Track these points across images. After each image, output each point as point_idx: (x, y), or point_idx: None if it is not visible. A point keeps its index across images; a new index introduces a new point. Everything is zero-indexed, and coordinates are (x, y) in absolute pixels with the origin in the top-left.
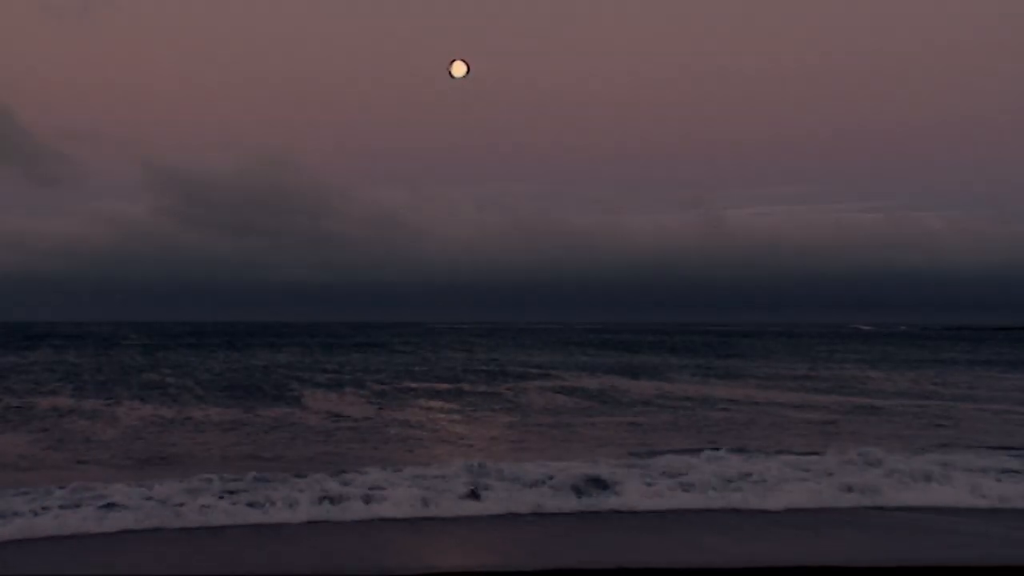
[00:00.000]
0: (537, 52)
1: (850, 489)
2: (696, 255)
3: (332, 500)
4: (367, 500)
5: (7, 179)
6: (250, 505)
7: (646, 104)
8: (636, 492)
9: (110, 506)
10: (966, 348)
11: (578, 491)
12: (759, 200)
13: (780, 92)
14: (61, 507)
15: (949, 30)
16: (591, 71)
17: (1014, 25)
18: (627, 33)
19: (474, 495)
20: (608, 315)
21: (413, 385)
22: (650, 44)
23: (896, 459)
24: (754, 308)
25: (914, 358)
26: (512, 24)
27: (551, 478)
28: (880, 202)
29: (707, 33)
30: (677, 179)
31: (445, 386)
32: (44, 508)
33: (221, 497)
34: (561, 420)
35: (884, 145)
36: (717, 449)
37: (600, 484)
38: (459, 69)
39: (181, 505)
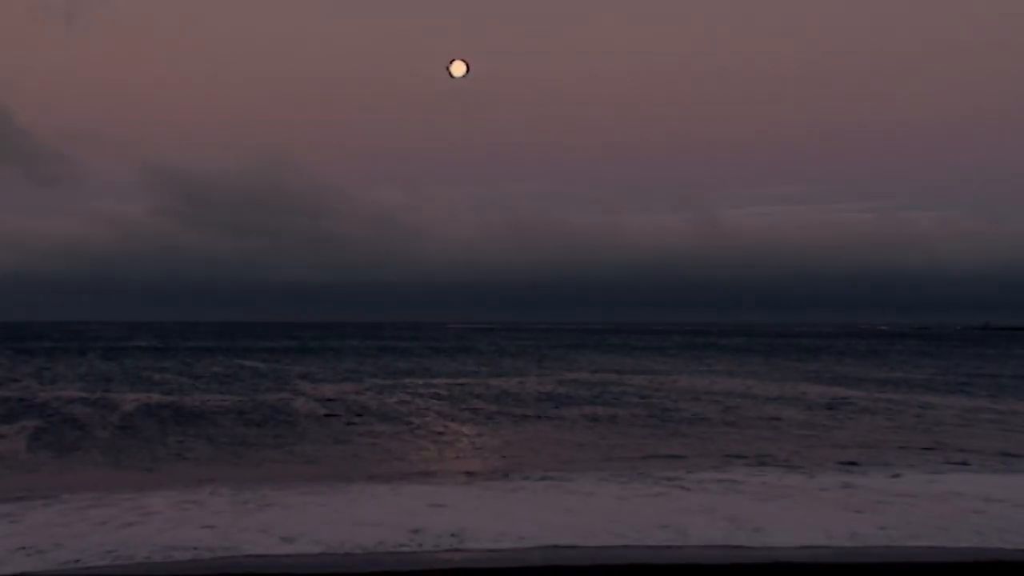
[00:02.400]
0: (537, 52)
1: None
2: (695, 255)
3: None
4: None
5: (7, 179)
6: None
7: (646, 104)
8: None
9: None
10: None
11: None
12: (759, 200)
13: (780, 92)
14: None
15: (949, 30)
16: (591, 71)
17: (1014, 25)
18: (627, 33)
19: None
20: (608, 315)
21: (411, 382)
22: (650, 44)
23: None
24: (753, 308)
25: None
26: (512, 24)
27: None
28: (879, 202)
29: (707, 33)
30: (677, 179)
31: (442, 381)
32: None
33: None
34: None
35: (883, 145)
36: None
37: None
38: (459, 69)
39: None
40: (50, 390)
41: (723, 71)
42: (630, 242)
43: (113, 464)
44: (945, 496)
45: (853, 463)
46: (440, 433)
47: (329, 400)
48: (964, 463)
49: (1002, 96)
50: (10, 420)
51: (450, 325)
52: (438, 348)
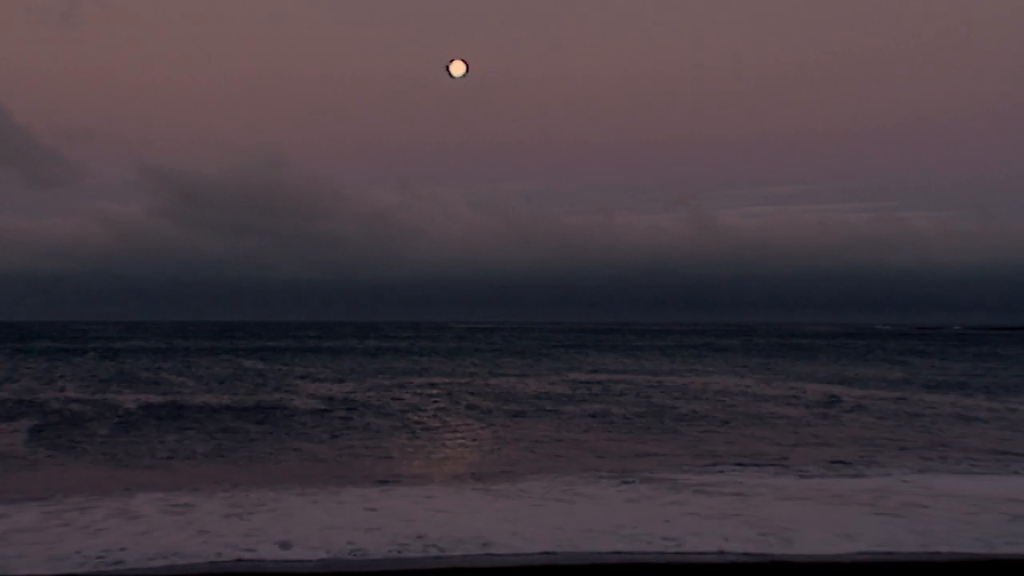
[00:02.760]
0: (537, 52)
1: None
2: (694, 255)
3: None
4: None
5: (5, 180)
6: None
7: (643, 104)
8: None
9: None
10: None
11: None
12: (756, 200)
13: (777, 92)
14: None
15: (949, 30)
16: (588, 71)
17: (1014, 25)
18: (626, 34)
19: None
20: (607, 315)
21: (410, 381)
22: (646, 45)
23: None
24: (751, 308)
25: None
26: (512, 24)
27: None
28: (877, 202)
29: (705, 33)
30: (674, 179)
31: (441, 380)
32: None
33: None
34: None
35: (882, 145)
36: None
37: None
38: (459, 69)
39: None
40: (49, 390)
41: (721, 71)
42: (629, 242)
43: (110, 464)
44: (952, 496)
45: (852, 463)
46: (439, 433)
47: (328, 399)
48: (961, 463)
49: (999, 97)
50: (9, 420)
51: (450, 325)
52: (437, 348)
